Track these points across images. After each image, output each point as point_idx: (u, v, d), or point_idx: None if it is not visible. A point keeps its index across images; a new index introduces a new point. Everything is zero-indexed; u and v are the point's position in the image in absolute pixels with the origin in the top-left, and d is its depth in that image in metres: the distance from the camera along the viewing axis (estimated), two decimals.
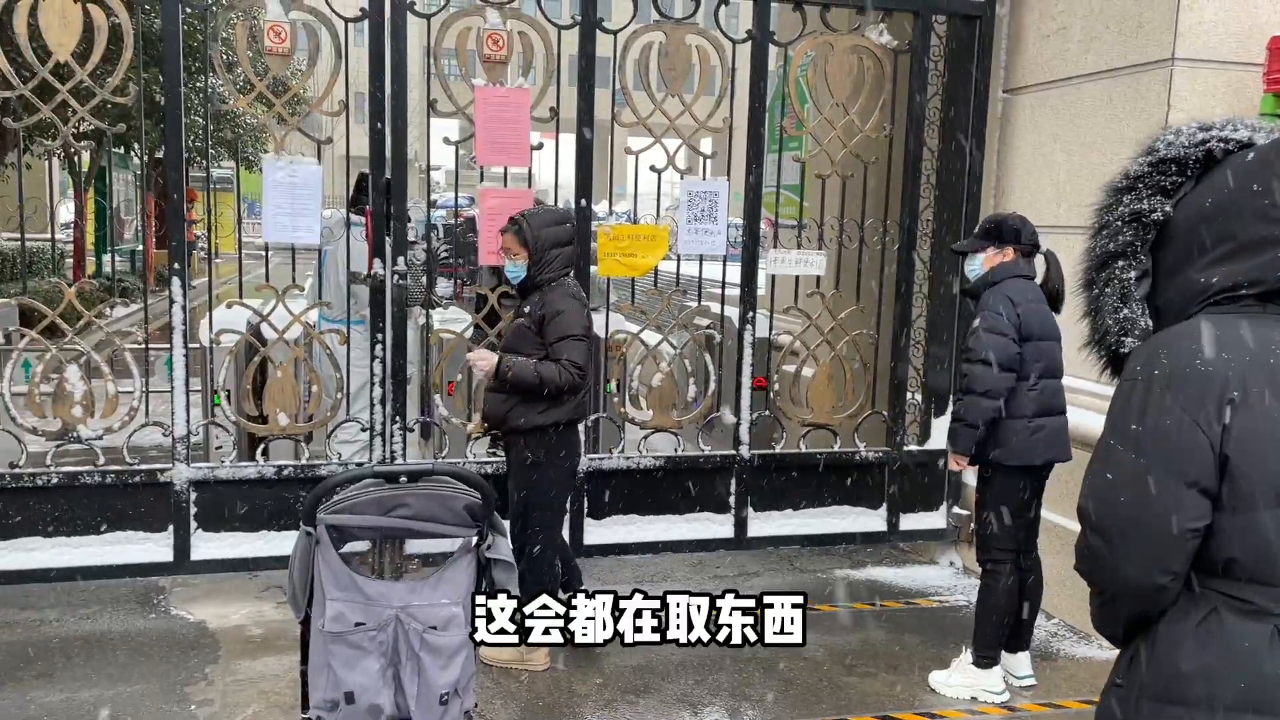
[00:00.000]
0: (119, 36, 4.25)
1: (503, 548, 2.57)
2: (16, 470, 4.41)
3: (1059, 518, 4.48)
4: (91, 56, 4.25)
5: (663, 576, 5.19)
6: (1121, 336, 1.61)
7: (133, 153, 18.38)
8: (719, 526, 5.14)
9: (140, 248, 21.39)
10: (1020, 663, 4.06)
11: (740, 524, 5.13)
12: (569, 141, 4.81)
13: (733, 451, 5.12)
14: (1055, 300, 3.87)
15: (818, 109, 5.05)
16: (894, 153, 5.18)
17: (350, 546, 2.63)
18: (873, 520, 5.30)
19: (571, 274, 4.02)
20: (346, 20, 4.52)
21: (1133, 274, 1.60)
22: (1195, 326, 1.51)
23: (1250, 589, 1.46)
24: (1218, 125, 1.59)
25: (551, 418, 3.89)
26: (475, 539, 2.52)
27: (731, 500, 5.14)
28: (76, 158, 15.43)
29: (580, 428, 4.19)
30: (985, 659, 3.96)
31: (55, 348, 4.52)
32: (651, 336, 5.11)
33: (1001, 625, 3.91)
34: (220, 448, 5.35)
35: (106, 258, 19.02)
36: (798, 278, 5.19)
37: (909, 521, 5.35)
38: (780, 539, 5.20)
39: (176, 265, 4.47)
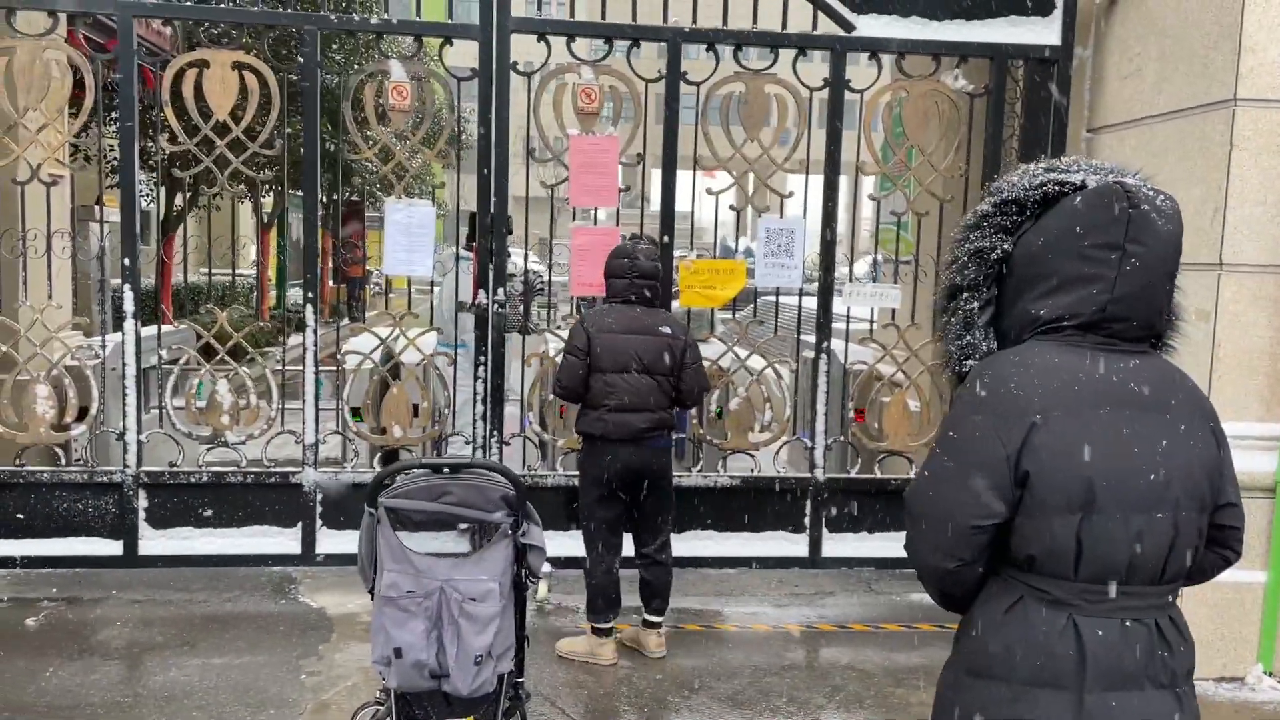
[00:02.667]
0: (269, 98, 4.98)
1: (535, 534, 2.98)
2: (175, 469, 5.15)
3: None
4: (245, 115, 4.98)
5: (741, 591, 5.50)
6: (963, 360, 1.81)
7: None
8: (794, 545, 5.41)
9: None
10: None
11: (814, 544, 5.39)
12: (654, 181, 5.25)
13: (808, 475, 5.40)
14: None
15: (893, 151, 5.32)
16: (970, 191, 5.38)
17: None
18: None
19: (615, 300, 4.42)
20: (459, 79, 5.11)
21: (975, 304, 1.80)
22: (1018, 353, 1.73)
23: (1049, 582, 1.67)
24: (1060, 168, 1.79)
25: (579, 427, 4.44)
26: (511, 525, 2.95)
27: (806, 521, 5.41)
28: (256, 201, 16.99)
29: (614, 445, 4.35)
30: None
31: (208, 368, 5.24)
32: (728, 361, 5.45)
33: None
34: (356, 454, 6.02)
35: (285, 291, 20.77)
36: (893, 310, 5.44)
37: None
38: (853, 560, 5.42)
39: (310, 295, 5.13)
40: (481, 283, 5.18)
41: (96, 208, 8.27)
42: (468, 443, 5.33)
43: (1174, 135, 4.81)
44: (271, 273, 20.13)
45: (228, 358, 5.28)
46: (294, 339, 15.39)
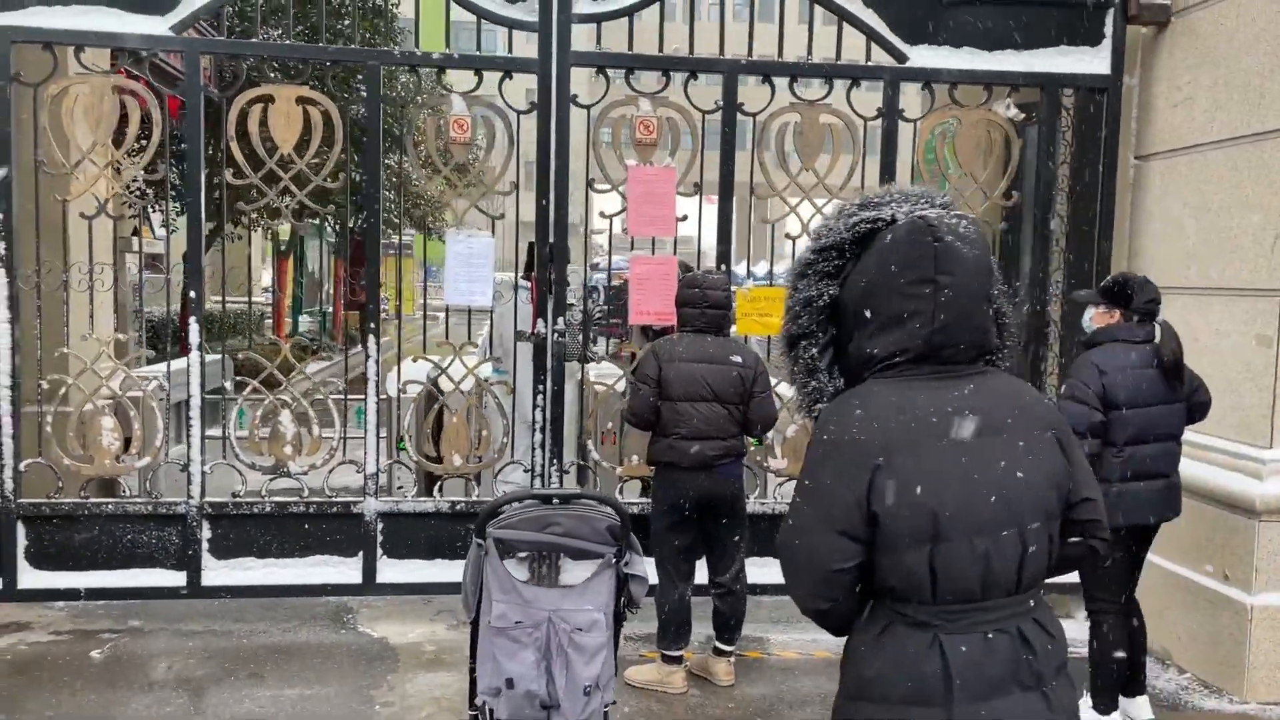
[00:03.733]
0: (332, 132, 5.04)
1: (638, 565, 3.01)
2: (238, 499, 5.18)
3: (1189, 572, 4.58)
4: (309, 149, 5.04)
5: (795, 619, 5.50)
6: (813, 404, 1.89)
7: (326, 224, 20.26)
8: None
9: (330, 309, 23.29)
10: (1140, 707, 4.17)
11: None
12: (711, 210, 5.31)
13: None
14: (1173, 370, 3.92)
15: (946, 178, 5.37)
16: (1023, 218, 5.44)
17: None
18: None
19: (686, 329, 4.48)
20: (519, 112, 5.18)
21: (815, 350, 1.87)
22: (856, 396, 1.80)
23: (912, 607, 1.76)
24: (872, 203, 1.86)
25: (650, 455, 4.50)
26: (614, 556, 2.98)
27: None
28: (272, 230, 17.09)
29: (685, 473, 4.39)
30: (1104, 705, 4.10)
31: (270, 396, 5.28)
32: (787, 390, 5.49)
33: (1114, 671, 4.05)
34: (401, 487, 6.05)
35: (302, 318, 20.87)
36: None
37: None
38: None
39: (372, 325, 5.17)
40: (540, 312, 5.22)
41: (134, 239, 8.35)
42: (526, 471, 5.34)
43: (1228, 162, 4.86)
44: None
45: (261, 387, 5.29)
46: (312, 366, 15.54)
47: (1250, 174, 4.71)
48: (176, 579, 5.12)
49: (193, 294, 5.05)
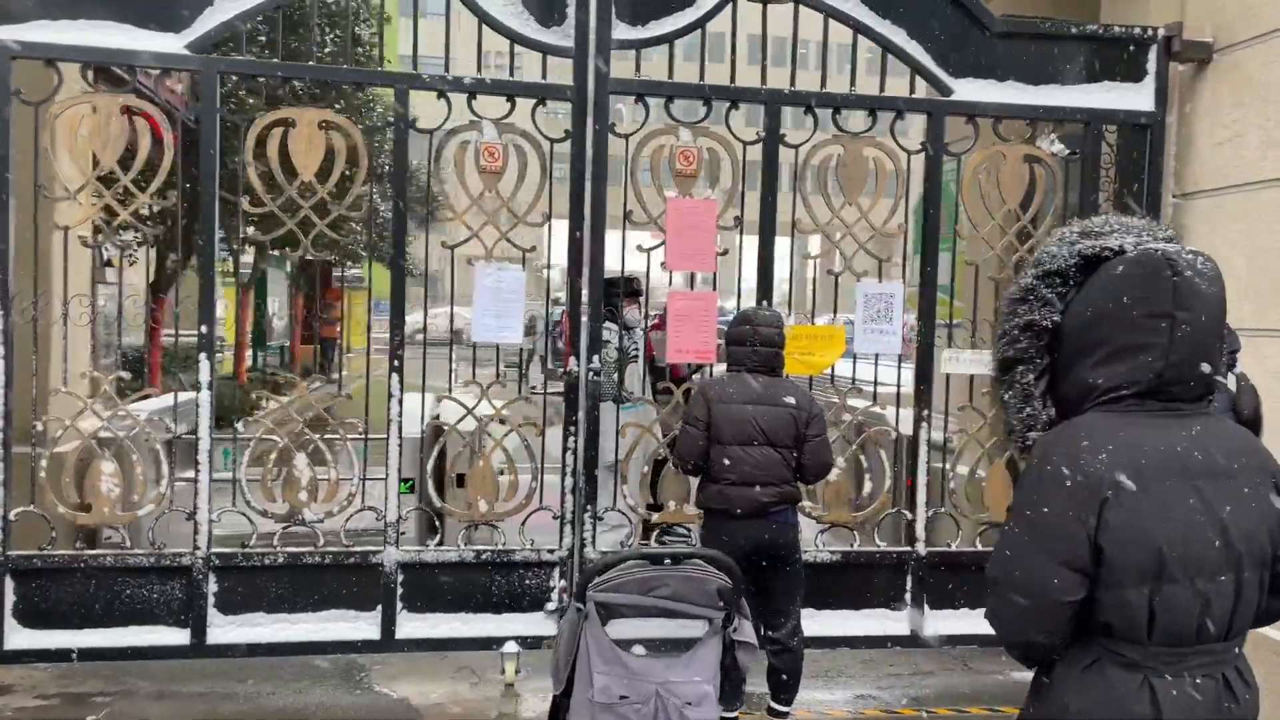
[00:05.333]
0: (355, 159, 4.76)
1: (747, 630, 2.75)
2: (247, 549, 4.80)
3: None
4: (332, 175, 4.75)
5: (838, 673, 5.25)
6: (1025, 432, 1.89)
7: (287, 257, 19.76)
8: (893, 623, 5.19)
9: (287, 343, 22.71)
10: None
11: (914, 621, 5.17)
12: (751, 244, 5.10)
13: (908, 548, 5.20)
14: (1250, 425, 3.71)
15: (990, 214, 5.22)
16: None
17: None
18: None
19: (736, 369, 4.29)
20: (552, 141, 4.94)
21: (1031, 375, 1.87)
22: (1082, 428, 1.79)
23: (1125, 646, 1.76)
24: (1094, 231, 1.87)
25: (699, 501, 4.34)
26: (724, 621, 2.71)
27: (907, 597, 5.19)
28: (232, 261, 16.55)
29: (737, 521, 4.17)
30: None
31: (285, 439, 4.93)
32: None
33: None
34: (404, 533, 5.69)
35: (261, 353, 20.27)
36: (971, 377, 5.31)
37: None
38: (956, 638, 5.21)
39: (396, 362, 4.86)
40: (573, 350, 4.95)
41: (108, 269, 7.90)
42: (555, 517, 5.04)
43: None
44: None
45: (274, 428, 4.95)
46: (272, 404, 15.02)
47: None
48: (179, 636, 4.72)
49: (204, 329, 4.70)
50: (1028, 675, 1.98)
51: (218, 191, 4.64)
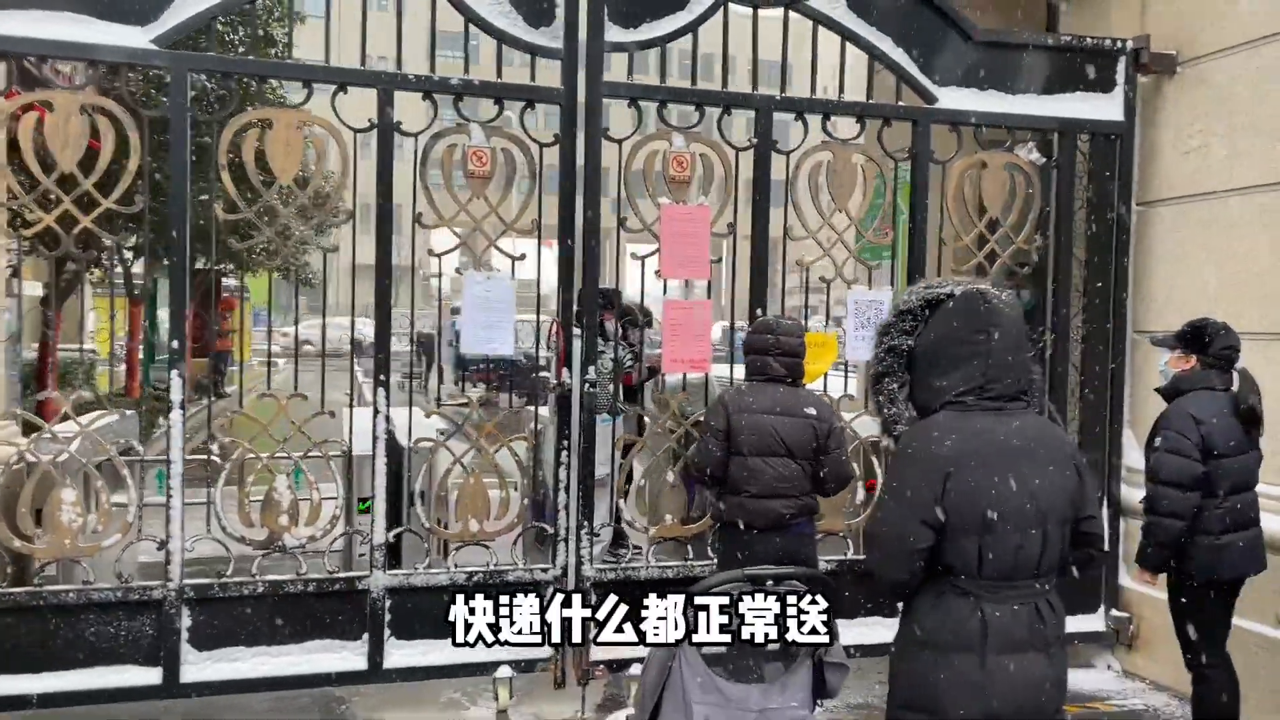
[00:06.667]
0: (338, 158, 4.50)
1: (838, 651, 2.66)
2: (224, 580, 4.48)
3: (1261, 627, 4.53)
4: (314, 177, 4.48)
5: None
6: (893, 425, 2.53)
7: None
8: (887, 631, 5.16)
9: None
10: None
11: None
12: (743, 253, 5.03)
13: None
14: (1252, 419, 3.88)
15: (974, 221, 5.28)
16: (1046, 262, 5.40)
17: None
18: None
19: (756, 378, 4.24)
20: (542, 145, 4.77)
21: (895, 385, 2.51)
22: (934, 423, 2.43)
23: (962, 580, 2.39)
24: (935, 285, 2.52)
25: (716, 513, 4.30)
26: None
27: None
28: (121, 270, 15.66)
29: (756, 534, 4.12)
30: None
31: (261, 458, 4.62)
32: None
33: None
34: (363, 555, 5.41)
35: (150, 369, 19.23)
36: None
37: (1069, 624, 5.37)
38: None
39: (383, 378, 4.61)
40: (566, 362, 4.79)
41: (14, 281, 7.28)
42: (550, 533, 4.86)
43: (1253, 209, 4.94)
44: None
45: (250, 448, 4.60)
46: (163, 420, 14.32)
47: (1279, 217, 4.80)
48: (150, 676, 4.36)
49: (175, 344, 4.37)
50: None
51: (189, 195, 4.33)
